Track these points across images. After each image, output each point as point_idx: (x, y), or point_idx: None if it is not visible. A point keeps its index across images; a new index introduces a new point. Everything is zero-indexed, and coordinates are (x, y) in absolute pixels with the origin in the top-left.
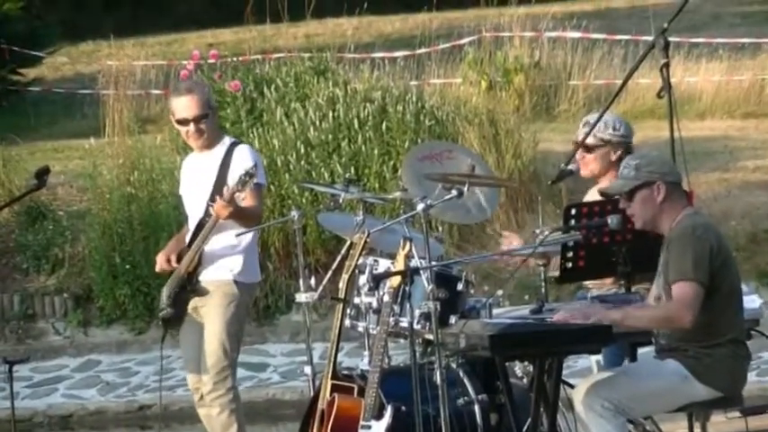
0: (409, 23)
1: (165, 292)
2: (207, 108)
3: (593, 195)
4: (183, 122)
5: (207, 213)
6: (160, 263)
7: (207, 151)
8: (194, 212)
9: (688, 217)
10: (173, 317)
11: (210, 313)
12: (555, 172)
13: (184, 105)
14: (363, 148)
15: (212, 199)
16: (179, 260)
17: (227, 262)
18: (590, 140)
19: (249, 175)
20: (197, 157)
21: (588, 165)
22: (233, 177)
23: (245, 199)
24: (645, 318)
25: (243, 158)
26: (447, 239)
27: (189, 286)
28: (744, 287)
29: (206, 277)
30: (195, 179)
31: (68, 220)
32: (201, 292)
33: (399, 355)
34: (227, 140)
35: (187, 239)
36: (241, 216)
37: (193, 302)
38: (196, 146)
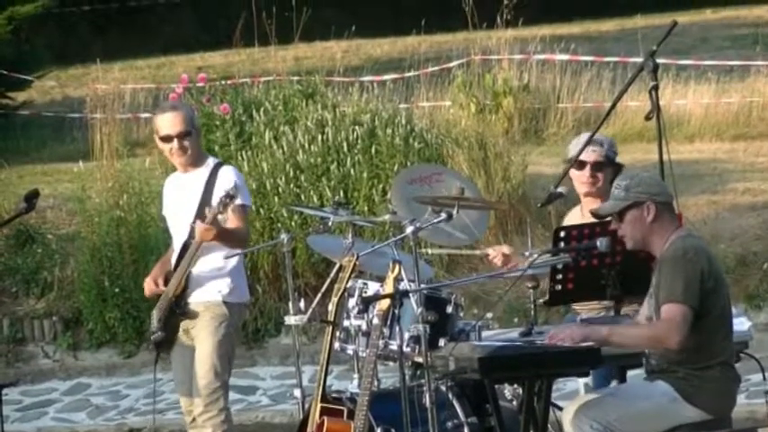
0: (398, 46)
1: (155, 316)
2: (191, 126)
3: (572, 218)
4: (167, 139)
5: (191, 235)
6: (148, 287)
7: (191, 171)
8: (179, 233)
9: (680, 239)
10: (163, 340)
11: (201, 335)
12: (544, 195)
13: (168, 122)
14: (352, 171)
15: (196, 221)
16: (166, 282)
17: (215, 283)
18: (600, 158)
19: (230, 196)
20: (180, 177)
21: (597, 183)
22: (219, 194)
23: (230, 221)
24: (633, 336)
25: (227, 179)
26: (436, 262)
27: (178, 309)
28: (733, 309)
29: (195, 299)
30: (179, 199)
31: (57, 243)
32: (191, 315)
33: (389, 378)
34: (211, 161)
35: (173, 261)
36: (226, 238)
37: (184, 324)
38: (179, 163)
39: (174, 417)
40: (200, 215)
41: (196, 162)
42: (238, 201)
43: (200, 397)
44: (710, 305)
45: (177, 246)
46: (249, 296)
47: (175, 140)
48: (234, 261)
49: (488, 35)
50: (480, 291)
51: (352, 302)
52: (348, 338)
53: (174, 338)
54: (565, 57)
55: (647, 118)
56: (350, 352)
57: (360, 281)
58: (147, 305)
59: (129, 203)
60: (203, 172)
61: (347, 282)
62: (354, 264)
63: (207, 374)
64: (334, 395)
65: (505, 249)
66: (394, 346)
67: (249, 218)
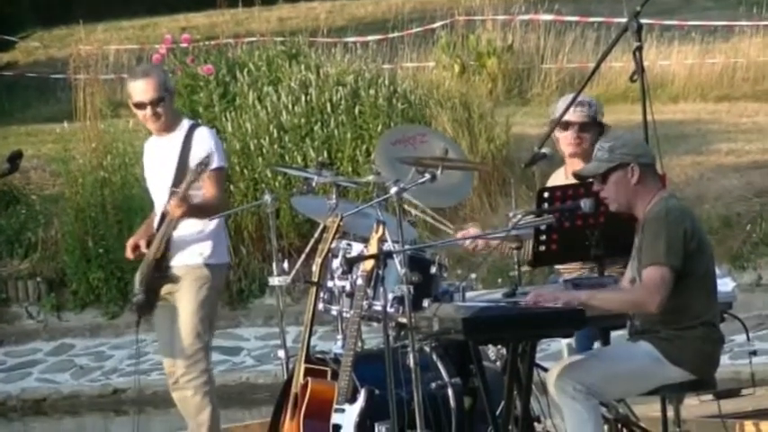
0: (382, 7)
1: (138, 278)
2: (163, 91)
3: (556, 179)
4: (140, 106)
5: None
6: (129, 251)
7: (166, 135)
8: (159, 197)
9: (663, 200)
10: (145, 303)
11: (183, 298)
12: (528, 155)
13: (141, 89)
14: (336, 131)
15: (175, 185)
16: (149, 245)
17: (196, 246)
18: (586, 119)
19: (204, 164)
20: (157, 141)
21: (582, 143)
22: (194, 161)
23: (205, 187)
24: (613, 300)
25: (203, 142)
26: (420, 223)
27: (159, 273)
28: (717, 270)
29: (176, 262)
30: (157, 163)
31: (41, 204)
32: (173, 278)
33: (373, 339)
34: (185, 123)
35: (155, 225)
36: (199, 213)
37: (166, 288)
38: (154, 129)
39: (158, 377)
40: (177, 179)
41: (171, 126)
42: (214, 164)
43: (181, 359)
44: (693, 265)
45: (158, 209)
46: (229, 258)
47: (148, 107)
48: (214, 223)
49: None
50: (464, 252)
51: (335, 263)
52: (332, 299)
53: (156, 301)
54: (549, 17)
55: (632, 79)
56: (334, 313)
57: (344, 242)
58: (132, 266)
59: (113, 164)
60: (178, 135)
61: (331, 242)
62: (338, 225)
63: (188, 336)
64: (318, 356)
65: (472, 231)
66: (378, 306)
67: (233, 178)
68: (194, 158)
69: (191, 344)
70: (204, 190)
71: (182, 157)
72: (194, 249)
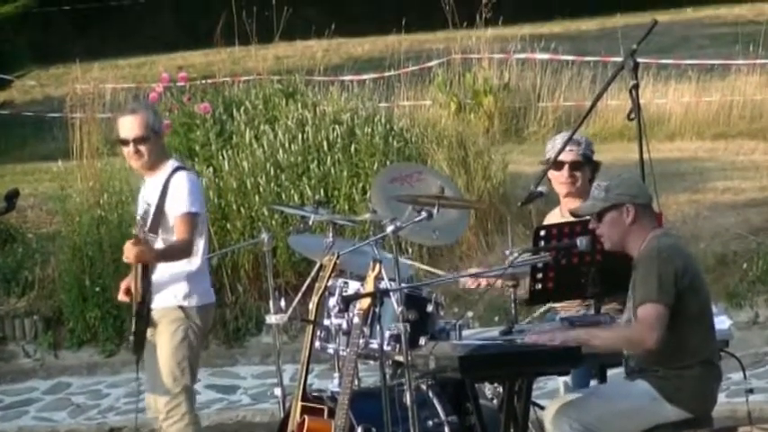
0: (378, 45)
1: (132, 320)
2: (148, 131)
3: (552, 220)
4: (124, 142)
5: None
6: (121, 293)
7: (152, 175)
8: None
9: (655, 238)
10: (137, 343)
11: (159, 340)
12: (524, 194)
13: (126, 125)
14: (333, 170)
15: (152, 228)
16: None
17: (172, 289)
18: (578, 158)
19: (144, 218)
20: (147, 183)
21: (576, 182)
22: (170, 205)
23: (176, 230)
24: (609, 339)
25: (177, 187)
26: (417, 261)
27: (141, 316)
28: (713, 308)
29: (155, 305)
30: (142, 205)
31: (38, 242)
32: (152, 322)
33: (369, 377)
34: (169, 166)
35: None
36: (162, 257)
37: (150, 330)
38: (135, 167)
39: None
40: (154, 223)
41: (154, 166)
42: (183, 209)
43: (161, 402)
44: (687, 303)
45: None
46: (212, 298)
47: (131, 144)
48: (195, 264)
49: (469, 34)
50: (460, 289)
51: (332, 301)
52: (329, 337)
53: (144, 342)
54: (545, 56)
55: (629, 118)
56: (330, 351)
57: (340, 280)
58: (128, 304)
59: (110, 203)
60: (160, 178)
61: (328, 281)
62: (335, 263)
63: (165, 381)
64: (314, 394)
65: (472, 270)
66: (374, 344)
67: (230, 216)
68: (169, 203)
69: (168, 389)
70: (176, 231)
71: (159, 200)
72: (170, 291)
